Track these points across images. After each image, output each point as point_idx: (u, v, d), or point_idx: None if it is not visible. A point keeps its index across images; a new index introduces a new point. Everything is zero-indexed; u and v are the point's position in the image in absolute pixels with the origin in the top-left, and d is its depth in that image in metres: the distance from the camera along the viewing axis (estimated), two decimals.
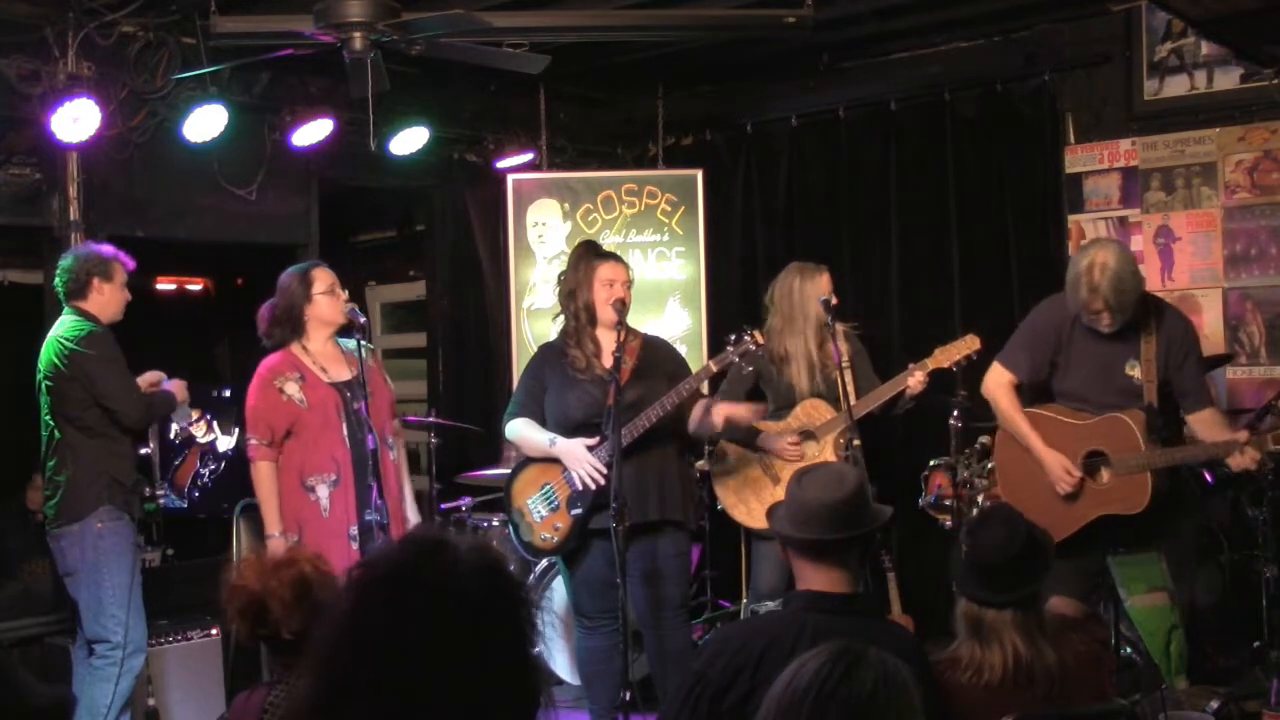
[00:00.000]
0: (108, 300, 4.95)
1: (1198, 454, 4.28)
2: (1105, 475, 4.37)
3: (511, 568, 1.68)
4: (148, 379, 5.10)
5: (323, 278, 4.83)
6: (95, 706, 4.77)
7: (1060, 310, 4.44)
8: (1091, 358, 4.42)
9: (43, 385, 4.89)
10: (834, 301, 5.20)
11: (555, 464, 4.65)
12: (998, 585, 2.82)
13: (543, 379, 4.78)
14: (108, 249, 5.03)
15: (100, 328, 4.90)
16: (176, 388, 5.13)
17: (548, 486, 4.68)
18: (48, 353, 4.87)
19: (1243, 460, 4.18)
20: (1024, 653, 2.78)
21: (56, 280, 4.97)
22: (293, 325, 4.82)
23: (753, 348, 4.60)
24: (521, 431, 4.73)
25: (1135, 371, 4.34)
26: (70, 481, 4.84)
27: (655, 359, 4.78)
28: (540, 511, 4.69)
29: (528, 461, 4.76)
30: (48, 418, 4.90)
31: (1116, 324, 4.30)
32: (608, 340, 4.64)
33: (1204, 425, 4.36)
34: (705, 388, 4.89)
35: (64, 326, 4.90)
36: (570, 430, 4.65)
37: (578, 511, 4.61)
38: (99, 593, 4.81)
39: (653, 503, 4.62)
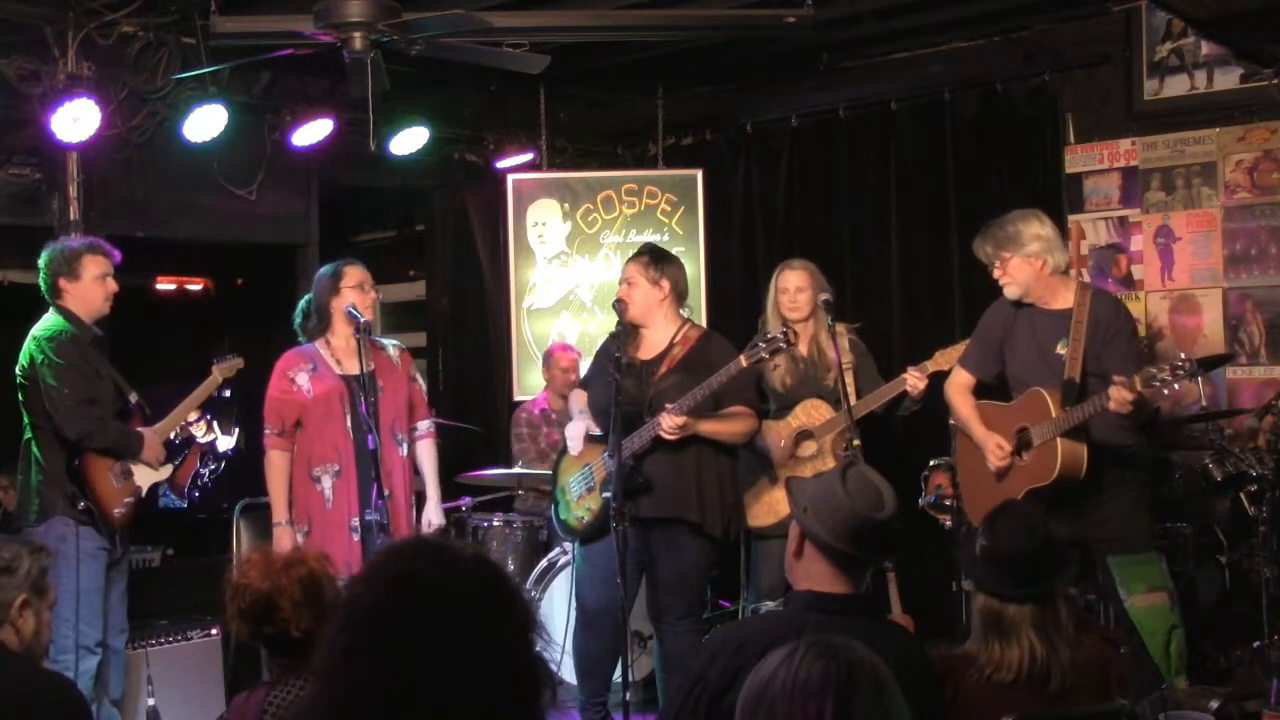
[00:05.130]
0: (82, 297, 4.80)
1: (1088, 410, 4.24)
2: (1027, 453, 4.46)
3: (512, 567, 1.70)
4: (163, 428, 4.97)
5: (353, 274, 4.92)
6: None
7: (1006, 303, 4.65)
8: (1030, 341, 4.57)
9: (18, 384, 4.76)
10: (799, 300, 5.22)
11: (598, 444, 4.70)
12: (1017, 579, 2.80)
13: (596, 366, 4.95)
14: (77, 241, 4.88)
15: (76, 329, 4.76)
16: (149, 441, 4.88)
17: (587, 467, 4.76)
18: (25, 351, 4.74)
19: (1120, 393, 4.08)
20: (1040, 652, 2.76)
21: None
22: (321, 318, 4.91)
23: (783, 345, 4.56)
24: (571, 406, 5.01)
25: (1064, 350, 4.44)
26: (35, 484, 4.73)
27: (706, 351, 4.71)
28: (578, 490, 4.79)
29: None
30: (26, 416, 4.78)
31: (1011, 288, 4.55)
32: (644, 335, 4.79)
33: None
34: None
35: (43, 325, 4.77)
36: (601, 416, 4.71)
37: (609, 494, 4.58)
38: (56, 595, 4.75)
39: (663, 499, 4.59)
